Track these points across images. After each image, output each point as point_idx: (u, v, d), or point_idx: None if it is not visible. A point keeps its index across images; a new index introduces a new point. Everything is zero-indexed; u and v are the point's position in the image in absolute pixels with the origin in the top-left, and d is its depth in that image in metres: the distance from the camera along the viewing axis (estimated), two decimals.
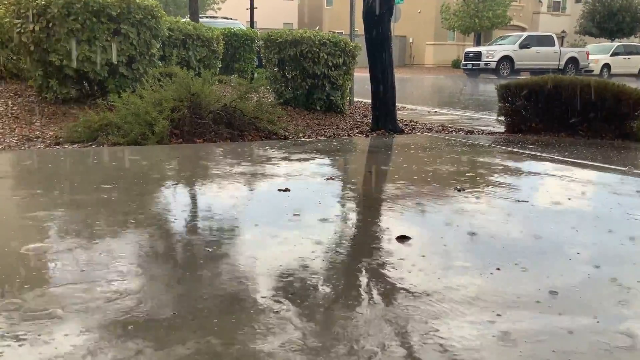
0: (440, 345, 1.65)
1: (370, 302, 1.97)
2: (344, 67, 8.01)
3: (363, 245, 2.61)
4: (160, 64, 7.31)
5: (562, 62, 26.02)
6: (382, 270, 2.24)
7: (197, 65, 8.76)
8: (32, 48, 6.32)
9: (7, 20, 6.60)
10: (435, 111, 10.10)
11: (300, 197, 3.41)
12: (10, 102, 6.67)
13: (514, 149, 5.59)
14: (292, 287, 2.04)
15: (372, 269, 2.27)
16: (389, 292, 2.04)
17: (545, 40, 26.48)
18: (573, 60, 26.42)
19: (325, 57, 7.70)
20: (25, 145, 5.18)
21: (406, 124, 7.64)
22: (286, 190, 3.49)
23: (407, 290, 2.03)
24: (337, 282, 2.12)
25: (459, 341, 1.67)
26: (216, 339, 1.65)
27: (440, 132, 7.15)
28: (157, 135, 5.19)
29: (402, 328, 1.75)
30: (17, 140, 5.34)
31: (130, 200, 3.22)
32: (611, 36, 35.60)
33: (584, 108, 6.45)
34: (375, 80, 6.91)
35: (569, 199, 3.53)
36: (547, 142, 6.08)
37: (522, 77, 9.44)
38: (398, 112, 7.48)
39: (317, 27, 24.41)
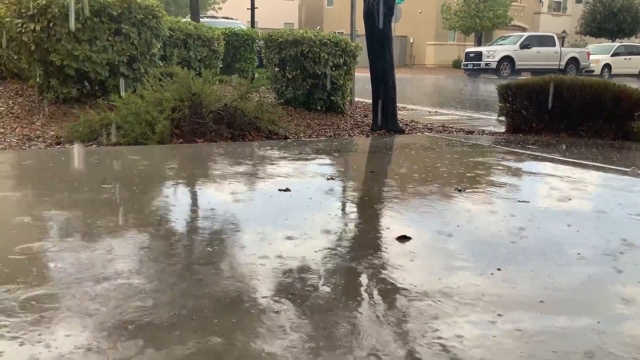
0: (441, 345, 1.65)
1: (371, 302, 1.97)
2: (345, 67, 8.00)
3: (363, 245, 2.61)
4: (161, 64, 7.31)
5: (563, 63, 26.00)
6: (382, 270, 2.24)
7: (197, 65, 8.76)
8: (32, 48, 6.32)
9: (8, 19, 6.60)
10: (436, 111, 10.10)
11: (301, 197, 3.41)
12: (11, 102, 6.67)
13: (514, 149, 5.59)
14: (293, 287, 2.04)
15: (372, 268, 2.27)
16: (390, 292, 2.04)
17: (546, 41, 26.46)
18: (574, 61, 26.40)
19: (326, 57, 7.69)
20: (26, 145, 5.18)
21: (407, 124, 7.64)
22: (287, 190, 3.49)
23: (408, 290, 2.03)
24: (337, 282, 2.12)
25: (459, 341, 1.67)
26: (217, 339, 1.65)
27: (440, 132, 7.15)
28: (157, 135, 5.19)
29: (402, 328, 1.75)
30: (18, 139, 5.34)
31: (131, 200, 3.22)
32: (612, 36, 35.58)
33: (585, 108, 6.45)
34: (376, 80, 6.91)
35: (570, 199, 3.52)
36: (548, 143, 6.08)
37: (523, 78, 9.43)
38: (399, 112, 7.48)
39: (318, 27, 24.40)
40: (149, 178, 3.95)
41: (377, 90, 6.92)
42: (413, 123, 7.90)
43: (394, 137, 6.52)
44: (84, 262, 2.21)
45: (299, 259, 2.32)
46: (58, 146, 5.18)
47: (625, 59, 27.86)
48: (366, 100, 9.28)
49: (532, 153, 5.38)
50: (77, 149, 5.04)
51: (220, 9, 33.64)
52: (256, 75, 10.97)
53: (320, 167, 4.47)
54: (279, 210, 3.11)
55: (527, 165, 4.80)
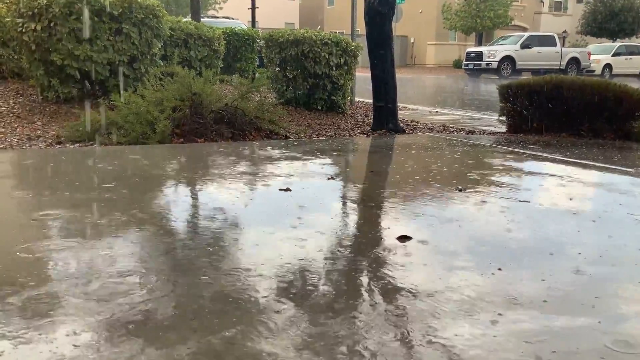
0: (442, 344, 1.65)
1: (371, 301, 1.97)
2: (346, 67, 8.00)
3: (364, 244, 2.61)
4: (162, 64, 7.31)
5: (564, 63, 25.99)
6: (383, 270, 2.24)
7: (198, 64, 8.76)
8: (33, 47, 6.32)
9: (9, 19, 6.61)
10: (437, 111, 10.10)
11: (302, 197, 3.41)
12: (12, 102, 6.68)
13: (515, 149, 5.59)
14: (294, 286, 2.04)
15: (373, 268, 2.27)
16: (390, 291, 2.04)
17: (547, 41, 26.45)
18: (574, 61, 26.39)
19: (327, 57, 7.69)
20: (27, 145, 5.18)
21: (407, 124, 7.64)
22: (287, 189, 3.49)
23: (408, 290, 2.03)
24: (338, 282, 2.12)
25: (460, 341, 1.67)
26: (217, 339, 1.65)
27: (441, 132, 7.14)
28: (158, 135, 5.19)
29: (403, 327, 1.75)
30: (18, 139, 5.34)
31: (132, 200, 3.23)
32: (613, 36, 35.57)
33: (586, 108, 6.45)
34: (377, 80, 6.90)
35: (571, 199, 3.52)
36: (549, 142, 6.08)
37: (524, 77, 9.43)
38: (399, 112, 7.48)
39: (319, 27, 24.40)
40: (150, 177, 3.95)
41: (377, 90, 6.92)
42: (414, 123, 7.90)
43: (395, 137, 6.52)
44: (83, 261, 2.21)
45: (300, 258, 2.32)
46: (59, 146, 5.18)
47: (626, 59, 27.85)
48: (367, 100, 9.27)
49: (533, 153, 5.38)
50: (77, 149, 5.05)
51: (221, 8, 33.65)
52: (257, 75, 10.97)
53: (320, 167, 4.47)
54: (279, 209, 3.11)
55: (528, 165, 4.80)
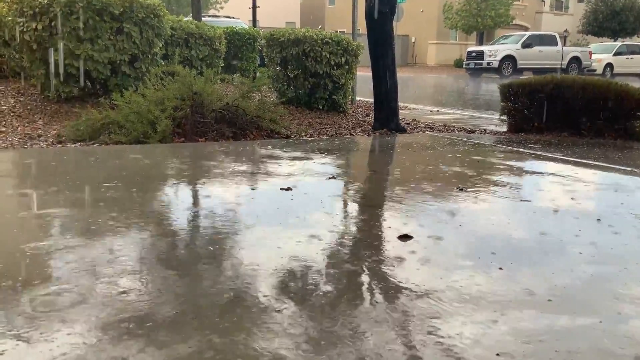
0: (442, 344, 1.65)
1: (372, 301, 1.97)
2: (347, 66, 8.00)
3: (365, 244, 2.61)
4: (163, 63, 7.31)
5: (565, 62, 25.97)
6: (384, 269, 2.24)
7: (199, 64, 8.76)
8: (34, 46, 6.33)
9: (10, 18, 6.61)
10: (438, 110, 10.09)
11: (303, 196, 3.41)
12: (13, 101, 6.68)
13: (516, 149, 5.59)
14: (294, 285, 2.04)
15: (374, 268, 2.27)
16: (391, 290, 2.04)
17: (548, 40, 26.43)
18: (576, 60, 26.37)
19: (328, 56, 7.69)
20: (28, 144, 5.18)
21: (408, 123, 7.63)
22: (288, 189, 3.49)
23: (409, 289, 2.03)
24: (339, 281, 2.12)
25: (461, 340, 1.67)
26: (218, 338, 1.65)
27: (442, 132, 7.14)
28: (159, 134, 5.19)
29: (403, 327, 1.75)
30: (19, 138, 5.34)
31: (133, 199, 3.23)
32: (614, 36, 35.53)
33: (587, 108, 6.44)
34: (378, 79, 6.90)
35: (572, 198, 3.52)
36: (550, 142, 6.07)
37: (525, 77, 9.43)
38: (400, 111, 7.48)
39: (320, 26, 24.40)
40: (151, 177, 3.95)
41: (378, 89, 6.91)
42: (415, 122, 7.90)
43: (396, 137, 6.52)
44: (84, 260, 2.21)
45: (300, 257, 2.32)
46: (60, 145, 5.19)
47: (627, 58, 27.82)
48: (368, 100, 9.27)
49: (534, 152, 5.38)
50: (78, 148, 5.05)
51: (222, 8, 33.65)
52: (258, 74, 10.97)
53: (322, 166, 4.47)
54: (280, 209, 3.11)
55: (529, 165, 4.80)
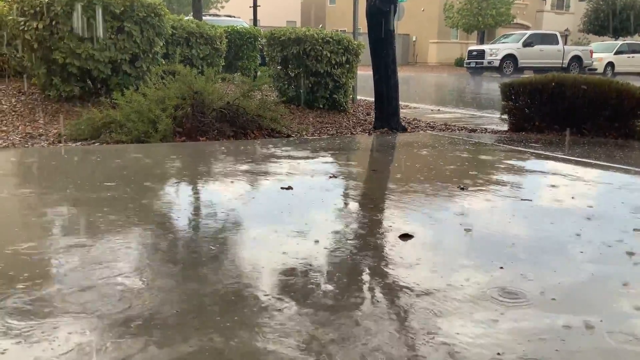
0: (443, 343, 1.65)
1: (373, 299, 1.97)
2: (347, 65, 7.99)
3: (366, 243, 2.61)
4: (164, 62, 7.31)
5: (566, 61, 25.95)
6: (384, 268, 2.24)
7: (200, 63, 8.76)
8: (35, 46, 6.33)
9: (11, 18, 6.61)
10: (439, 109, 10.09)
11: (303, 195, 3.41)
12: (14, 100, 6.68)
13: (517, 148, 5.58)
14: (295, 284, 2.04)
15: (375, 267, 2.27)
16: (392, 289, 2.04)
17: (549, 39, 26.40)
18: (577, 59, 26.35)
19: (329, 55, 7.69)
20: (29, 143, 5.19)
21: (409, 122, 7.63)
22: (289, 188, 3.49)
23: (410, 289, 2.03)
24: (339, 280, 2.12)
25: (461, 340, 1.67)
26: (219, 337, 1.65)
27: (443, 131, 7.14)
28: (160, 133, 5.19)
29: (404, 325, 1.75)
30: (20, 137, 5.35)
31: (134, 198, 3.23)
32: (615, 35, 35.49)
33: (588, 107, 6.43)
34: (379, 78, 6.89)
35: (573, 197, 3.52)
36: (551, 141, 6.07)
37: (526, 76, 9.43)
38: (401, 110, 7.47)
39: (321, 25, 24.41)
40: (152, 176, 3.96)
41: (379, 88, 6.91)
42: (415, 121, 7.90)
43: (397, 136, 6.52)
44: (85, 259, 2.21)
45: (301, 256, 2.32)
46: (60, 144, 5.19)
47: (629, 57, 27.80)
48: (369, 99, 9.27)
49: (535, 151, 5.37)
50: (79, 147, 5.05)
51: (222, 7, 33.65)
52: (258, 73, 10.96)
53: (322, 166, 4.47)
54: (281, 208, 3.11)
55: (530, 164, 4.80)
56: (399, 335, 1.70)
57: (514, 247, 2.54)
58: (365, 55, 7.57)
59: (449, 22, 35.04)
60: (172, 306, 1.83)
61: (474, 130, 7.19)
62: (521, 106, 6.90)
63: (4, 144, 5.09)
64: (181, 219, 2.89)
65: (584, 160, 4.94)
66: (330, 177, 3.98)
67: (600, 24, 36.02)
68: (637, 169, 4.71)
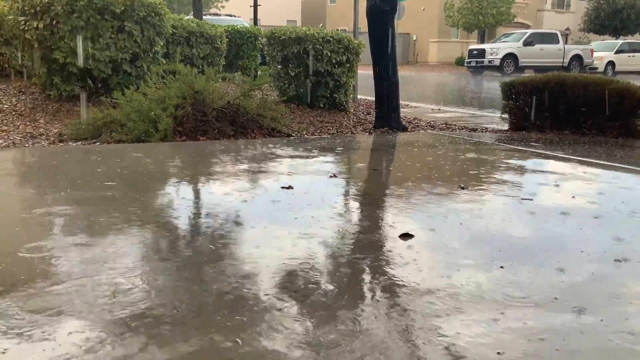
0: (443, 343, 1.65)
1: (373, 299, 1.97)
2: (348, 65, 8.00)
3: (366, 243, 2.60)
4: (164, 61, 7.32)
5: (567, 60, 25.95)
6: (385, 268, 2.24)
7: (200, 62, 8.76)
8: (36, 45, 6.33)
9: (11, 17, 6.61)
10: (439, 109, 10.08)
11: (304, 195, 3.41)
12: (14, 99, 6.69)
13: (517, 147, 5.58)
14: (296, 284, 2.04)
15: (375, 266, 2.27)
16: (392, 289, 2.04)
17: (550, 38, 26.40)
18: (577, 58, 26.35)
19: (329, 55, 7.69)
20: (29, 143, 5.19)
21: (410, 122, 7.63)
22: (289, 187, 3.49)
23: (410, 288, 2.03)
24: (340, 280, 2.12)
25: (462, 339, 1.67)
26: (219, 337, 1.65)
27: (443, 130, 7.14)
28: (160, 133, 5.19)
29: (404, 325, 1.75)
30: (21, 137, 5.35)
31: (134, 197, 3.23)
32: (616, 34, 35.47)
33: (588, 106, 6.43)
34: (379, 77, 6.90)
35: (573, 196, 3.52)
36: (551, 140, 6.07)
37: (526, 75, 9.41)
38: (402, 109, 7.48)
39: (321, 25, 24.40)
40: (152, 175, 3.96)
41: (380, 87, 6.91)
42: (416, 121, 7.90)
43: (397, 135, 6.51)
44: (86, 259, 2.21)
45: (301, 256, 2.32)
46: (61, 144, 5.19)
47: (629, 56, 27.80)
48: (369, 98, 9.27)
49: (536, 150, 5.37)
50: (80, 147, 5.05)
51: (223, 6, 33.66)
52: (259, 72, 10.97)
53: (322, 165, 4.47)
54: (281, 207, 3.11)
55: (531, 163, 4.80)
56: (399, 334, 1.70)
57: (514, 247, 2.54)
58: (366, 54, 7.57)
59: (449, 21, 35.03)
60: (172, 305, 1.83)
61: (474, 130, 7.19)
62: (522, 105, 6.90)
63: (5, 143, 5.09)
64: (181, 218, 2.89)
65: (584, 159, 4.93)
66: (331, 176, 3.98)
67: (600, 23, 36.00)
68: (637, 168, 4.71)
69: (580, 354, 1.63)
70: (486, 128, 7.38)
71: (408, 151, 5.62)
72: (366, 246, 2.54)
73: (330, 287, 2.04)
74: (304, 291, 1.99)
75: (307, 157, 4.75)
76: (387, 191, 3.73)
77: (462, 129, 7.30)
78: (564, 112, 6.58)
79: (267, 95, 7.11)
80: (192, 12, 13.28)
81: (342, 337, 1.67)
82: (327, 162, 4.66)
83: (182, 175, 4.03)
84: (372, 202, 3.44)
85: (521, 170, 4.47)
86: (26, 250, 2.30)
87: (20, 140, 5.25)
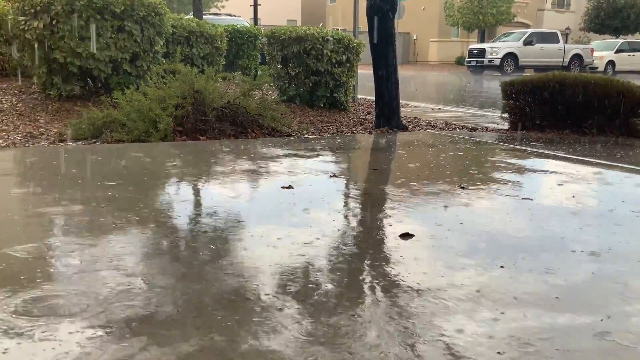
0: (444, 342, 1.65)
1: (373, 299, 1.97)
2: (348, 64, 7.99)
3: (366, 242, 2.61)
4: (164, 61, 7.31)
5: (567, 59, 25.95)
6: (385, 268, 2.24)
7: (200, 62, 8.76)
8: (36, 45, 6.33)
9: (11, 17, 6.61)
10: (439, 108, 10.08)
11: (304, 195, 3.41)
12: (14, 99, 6.69)
13: (518, 146, 5.58)
14: (296, 284, 2.04)
15: (375, 266, 2.27)
16: (392, 288, 2.04)
17: (550, 37, 26.41)
18: (577, 57, 26.36)
19: (329, 54, 7.68)
20: (30, 142, 5.19)
21: (410, 121, 7.62)
22: (290, 187, 3.49)
23: (410, 288, 2.03)
24: (340, 279, 2.12)
25: (462, 339, 1.67)
26: (220, 336, 1.65)
27: (444, 130, 7.13)
28: (160, 133, 5.19)
29: (405, 325, 1.75)
30: (21, 137, 5.35)
31: (134, 197, 3.23)
32: (616, 33, 35.46)
33: (588, 105, 6.43)
34: (379, 77, 6.89)
35: (574, 196, 3.52)
36: (551, 140, 6.06)
37: (527, 74, 9.42)
38: (402, 109, 7.47)
39: (321, 24, 24.38)
40: (152, 175, 3.96)
41: (380, 87, 6.90)
42: (416, 120, 7.89)
43: (397, 135, 6.51)
44: (86, 259, 2.21)
45: (302, 256, 2.32)
46: (61, 143, 5.19)
47: (629, 55, 27.80)
48: (369, 98, 9.27)
49: (536, 150, 5.37)
50: (80, 147, 5.05)
51: (223, 6, 33.66)
52: (259, 72, 10.97)
53: (323, 165, 4.47)
54: (281, 207, 3.11)
55: (531, 163, 4.80)
56: (399, 334, 1.70)
57: (514, 246, 2.54)
58: (366, 54, 7.56)
59: (449, 21, 35.03)
60: (173, 305, 1.83)
61: (474, 129, 7.18)
62: (522, 105, 6.89)
63: (5, 143, 5.09)
64: (181, 217, 2.89)
65: (584, 159, 4.93)
66: (331, 176, 3.98)
67: (601, 23, 36.00)
68: (638, 167, 4.70)
69: (580, 353, 1.63)
70: (486, 127, 7.38)
71: (408, 151, 5.61)
72: (367, 246, 2.54)
73: (331, 286, 2.04)
74: (304, 291, 1.99)
75: (307, 156, 4.75)
76: (387, 191, 3.73)
77: (463, 128, 7.30)
78: (564, 112, 6.57)
79: (267, 94, 7.11)
80: (192, 12, 13.29)
81: (343, 336, 1.67)
82: (327, 161, 4.66)
83: (183, 175, 4.03)
84: (372, 202, 3.44)
85: (521, 169, 4.47)
86: (26, 250, 2.30)
87: (21, 140, 5.25)
